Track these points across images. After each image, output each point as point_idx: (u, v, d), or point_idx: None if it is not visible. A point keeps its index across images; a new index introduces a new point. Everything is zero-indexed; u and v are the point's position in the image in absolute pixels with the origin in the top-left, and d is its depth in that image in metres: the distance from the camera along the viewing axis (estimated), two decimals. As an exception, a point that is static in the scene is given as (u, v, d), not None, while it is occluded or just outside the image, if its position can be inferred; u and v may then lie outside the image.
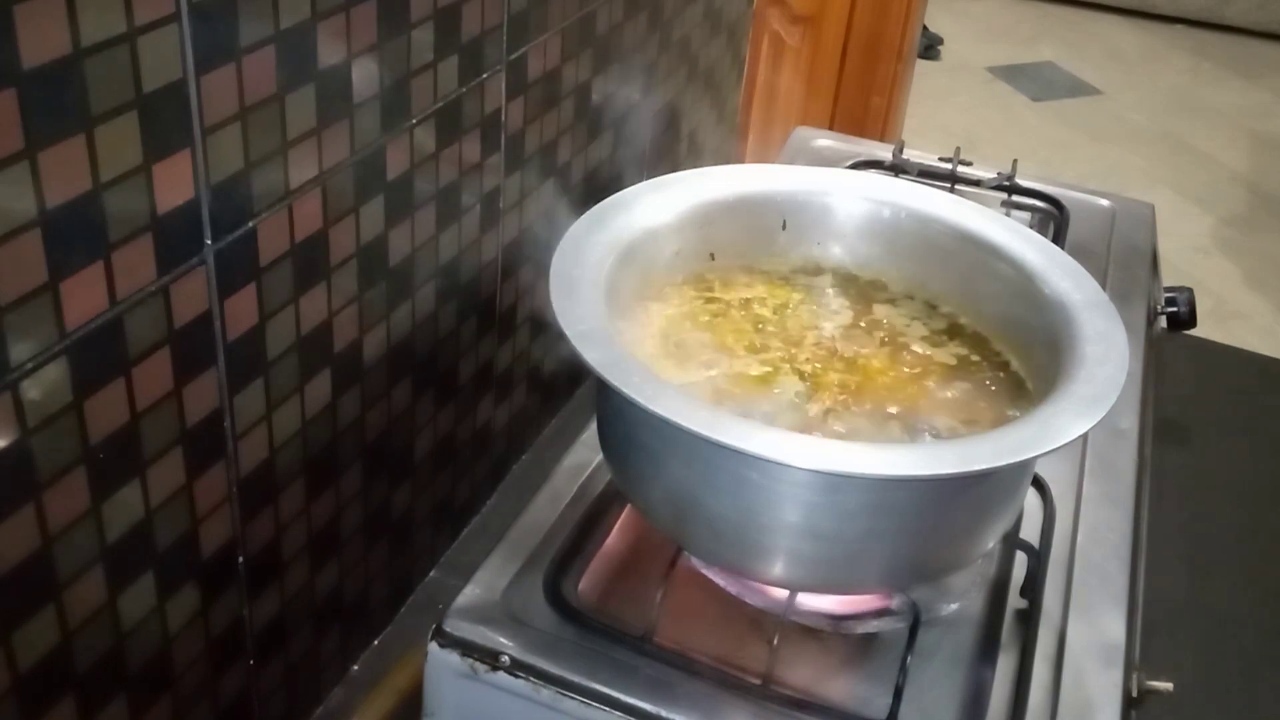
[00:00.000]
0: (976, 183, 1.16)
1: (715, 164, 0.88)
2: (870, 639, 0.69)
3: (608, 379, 0.59)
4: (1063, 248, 0.75)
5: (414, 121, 0.76)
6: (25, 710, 0.57)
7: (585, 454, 0.79)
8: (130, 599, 0.61)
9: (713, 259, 0.78)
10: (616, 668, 0.65)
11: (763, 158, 1.60)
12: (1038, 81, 3.38)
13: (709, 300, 0.76)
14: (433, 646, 0.66)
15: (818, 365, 0.72)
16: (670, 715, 0.62)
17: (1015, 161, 1.17)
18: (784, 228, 0.80)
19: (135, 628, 0.62)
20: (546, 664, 0.64)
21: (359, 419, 0.79)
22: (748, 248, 0.79)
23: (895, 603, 0.69)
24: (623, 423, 0.67)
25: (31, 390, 0.52)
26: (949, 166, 1.16)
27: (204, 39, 0.56)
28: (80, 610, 0.58)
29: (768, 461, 0.57)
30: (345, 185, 0.70)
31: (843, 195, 0.81)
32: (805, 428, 0.67)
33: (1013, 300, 0.73)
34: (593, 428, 0.75)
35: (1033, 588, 0.72)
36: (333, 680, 0.85)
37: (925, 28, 2.79)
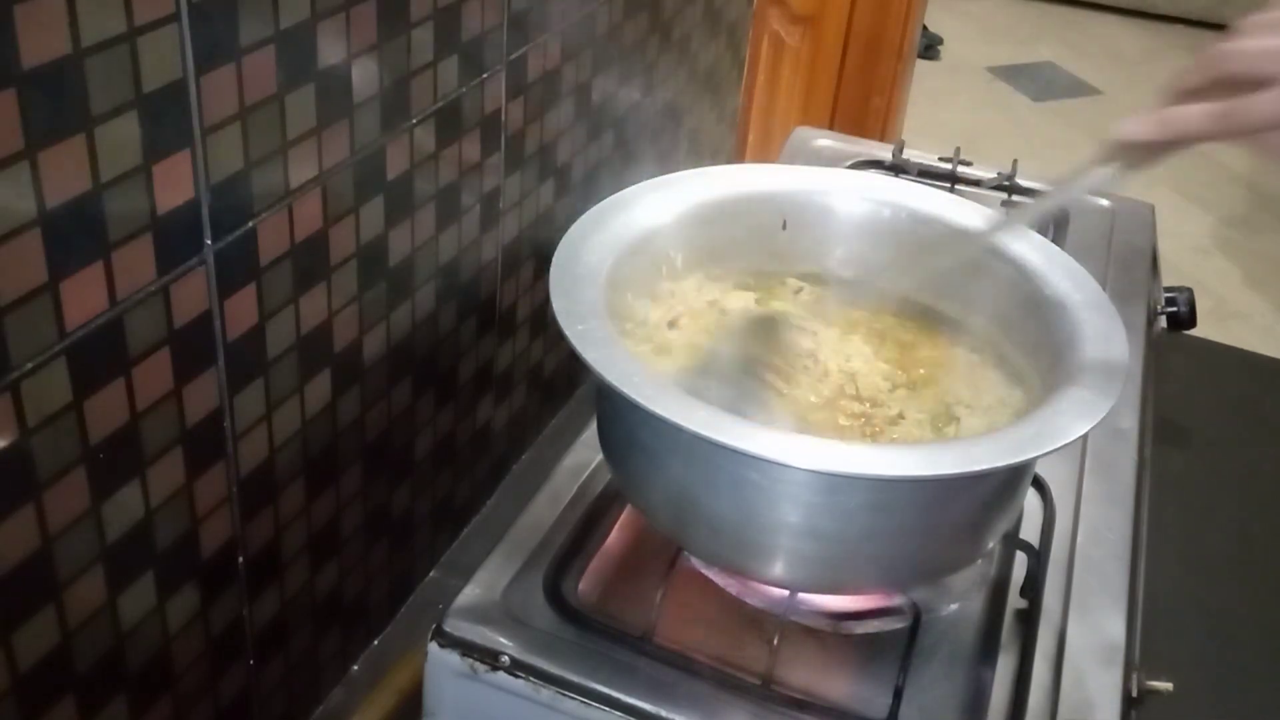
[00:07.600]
0: (976, 183, 1.16)
1: (715, 164, 0.88)
2: (870, 639, 0.69)
3: (608, 379, 0.59)
4: (1063, 248, 0.75)
5: (414, 121, 0.76)
6: (25, 710, 0.57)
7: (585, 454, 0.79)
8: (130, 599, 0.61)
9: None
10: (616, 668, 0.65)
11: (763, 158, 1.60)
12: (1038, 81, 3.38)
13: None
14: (433, 646, 0.66)
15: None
16: (670, 715, 0.62)
17: (1015, 161, 1.17)
18: (784, 228, 0.80)
19: (135, 628, 0.62)
20: (546, 664, 0.64)
21: (359, 419, 0.79)
22: (748, 248, 0.79)
23: (895, 603, 0.69)
24: (623, 423, 0.67)
25: (31, 390, 0.52)
26: (949, 166, 1.16)
27: (204, 39, 0.56)
28: (80, 610, 0.58)
29: (768, 461, 0.57)
30: (345, 185, 0.70)
31: (843, 195, 0.81)
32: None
33: (1013, 300, 0.73)
34: (593, 428, 0.75)
35: (1033, 588, 0.72)
36: (333, 680, 0.85)
37: (925, 28, 2.79)
